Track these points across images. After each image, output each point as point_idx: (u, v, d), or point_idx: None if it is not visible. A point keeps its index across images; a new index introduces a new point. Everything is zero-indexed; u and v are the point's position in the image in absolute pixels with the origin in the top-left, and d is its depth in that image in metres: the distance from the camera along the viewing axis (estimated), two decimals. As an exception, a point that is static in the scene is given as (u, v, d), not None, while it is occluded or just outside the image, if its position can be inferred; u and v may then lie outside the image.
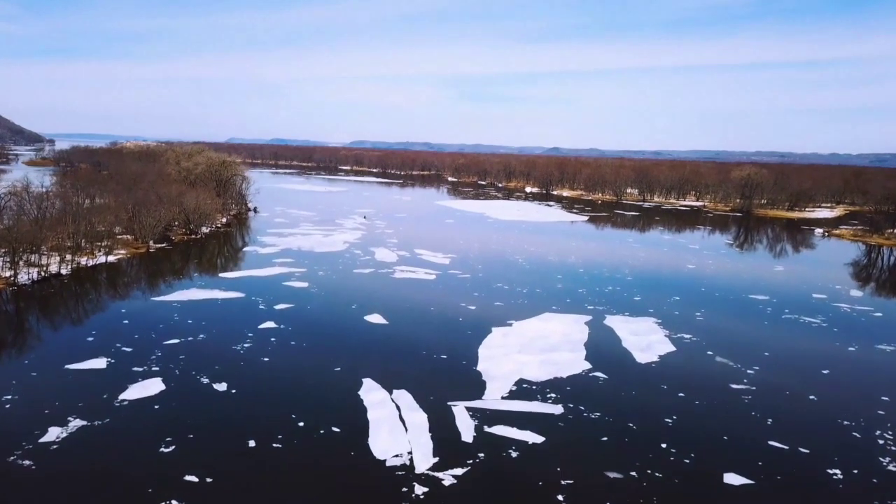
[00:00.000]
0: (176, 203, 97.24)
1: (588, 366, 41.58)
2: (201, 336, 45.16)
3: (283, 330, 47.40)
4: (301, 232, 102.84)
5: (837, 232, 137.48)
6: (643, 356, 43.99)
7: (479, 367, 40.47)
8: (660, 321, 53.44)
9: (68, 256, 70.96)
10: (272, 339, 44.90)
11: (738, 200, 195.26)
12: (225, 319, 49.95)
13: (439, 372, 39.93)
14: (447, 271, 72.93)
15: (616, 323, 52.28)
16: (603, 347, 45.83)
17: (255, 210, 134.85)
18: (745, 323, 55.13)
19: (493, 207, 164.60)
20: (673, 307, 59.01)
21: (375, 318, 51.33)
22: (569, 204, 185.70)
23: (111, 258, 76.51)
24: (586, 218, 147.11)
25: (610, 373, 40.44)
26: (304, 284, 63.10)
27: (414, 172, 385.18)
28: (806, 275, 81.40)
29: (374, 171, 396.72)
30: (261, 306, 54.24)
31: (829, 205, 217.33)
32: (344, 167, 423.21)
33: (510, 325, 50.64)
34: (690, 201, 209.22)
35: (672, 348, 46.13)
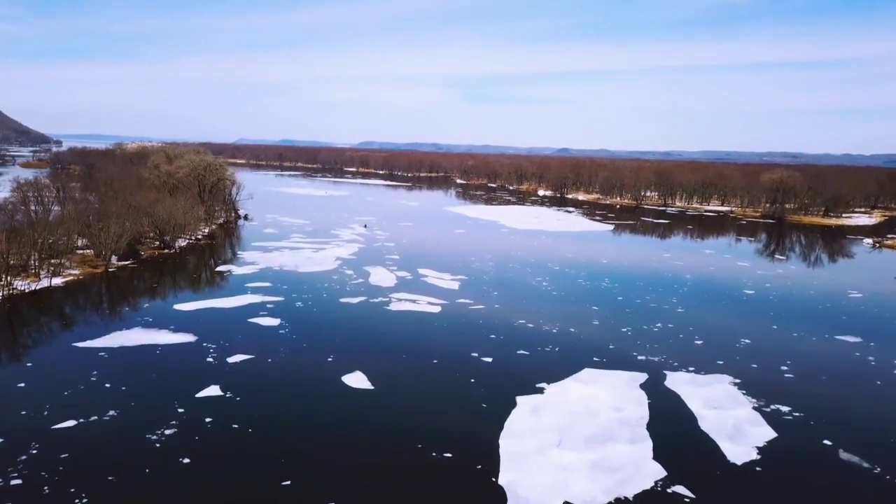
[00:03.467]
0: (147, 212, 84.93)
1: (660, 472, 28.21)
2: (111, 413, 32.23)
3: (227, 401, 34.37)
4: (289, 245, 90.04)
5: (889, 242, 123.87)
6: (735, 451, 30.57)
7: (502, 480, 27.12)
8: (738, 381, 39.97)
9: (2, 280, 58.91)
10: (207, 421, 31.82)
11: (767, 205, 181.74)
12: (155, 382, 37.00)
13: (440, 492, 26.67)
14: (456, 300, 59.66)
15: (682, 386, 38.83)
16: (674, 433, 32.40)
17: (245, 218, 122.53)
18: (851, 386, 41.40)
19: (507, 214, 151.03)
20: (748, 357, 45.40)
21: (356, 380, 38.11)
22: (588, 209, 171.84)
23: (58, 280, 64.12)
24: (612, 227, 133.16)
25: (696, 487, 27.03)
26: (275, 322, 50.08)
27: (421, 174, 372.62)
28: (890, 303, 67.39)
29: (381, 172, 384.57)
30: (209, 358, 41.26)
31: (863, 209, 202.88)
32: (350, 169, 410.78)
33: (541, 391, 37.29)
34: (715, 206, 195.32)
35: (771, 434, 32.66)
